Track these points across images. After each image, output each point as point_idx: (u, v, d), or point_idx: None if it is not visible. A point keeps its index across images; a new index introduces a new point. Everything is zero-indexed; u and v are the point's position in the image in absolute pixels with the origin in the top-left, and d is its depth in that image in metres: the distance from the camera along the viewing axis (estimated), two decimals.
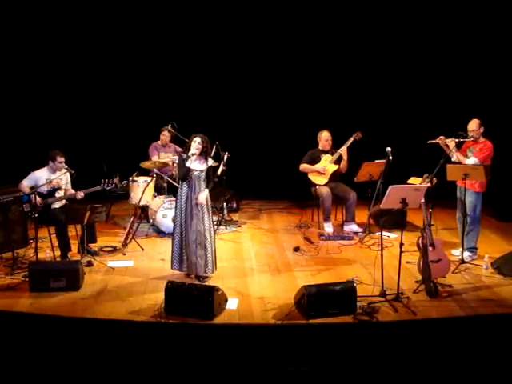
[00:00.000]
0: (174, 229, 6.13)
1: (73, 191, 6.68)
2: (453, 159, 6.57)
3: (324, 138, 7.90)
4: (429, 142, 6.60)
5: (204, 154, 5.98)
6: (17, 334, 5.01)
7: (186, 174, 5.94)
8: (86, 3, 8.78)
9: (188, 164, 5.93)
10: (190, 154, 5.90)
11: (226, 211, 8.32)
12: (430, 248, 5.75)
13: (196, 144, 5.91)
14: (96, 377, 4.60)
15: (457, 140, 6.47)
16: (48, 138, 8.49)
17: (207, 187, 5.99)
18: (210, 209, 6.08)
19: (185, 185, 5.98)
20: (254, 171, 9.39)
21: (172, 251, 6.09)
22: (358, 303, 5.28)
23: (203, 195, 5.92)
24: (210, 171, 6.06)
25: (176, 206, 6.09)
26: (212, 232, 6.06)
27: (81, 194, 6.55)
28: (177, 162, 7.73)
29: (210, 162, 6.07)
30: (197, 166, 5.96)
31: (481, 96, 8.92)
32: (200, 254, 5.92)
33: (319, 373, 4.63)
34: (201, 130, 7.19)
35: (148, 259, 6.75)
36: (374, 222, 7.86)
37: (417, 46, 9.07)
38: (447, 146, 6.53)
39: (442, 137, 6.53)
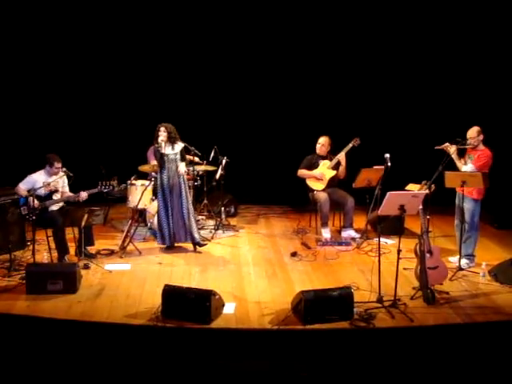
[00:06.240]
0: (158, 209, 6.99)
1: (71, 193, 6.66)
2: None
3: (318, 142, 7.90)
4: (436, 147, 6.59)
5: (172, 140, 6.85)
6: (13, 337, 5.00)
7: (162, 159, 6.86)
8: (83, 6, 8.79)
9: (162, 151, 6.85)
10: (159, 140, 6.82)
11: (223, 216, 8.31)
12: (428, 255, 5.75)
13: (162, 132, 6.83)
14: (92, 380, 4.59)
15: (459, 147, 6.46)
16: (46, 141, 8.48)
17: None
18: (187, 187, 7.06)
19: (164, 169, 6.87)
20: (253, 176, 9.38)
21: (161, 229, 6.99)
22: (354, 309, 5.27)
23: (182, 166, 6.87)
24: (183, 152, 6.97)
25: (159, 189, 6.94)
26: (191, 206, 7.07)
27: (84, 195, 6.53)
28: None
29: (181, 144, 6.93)
30: (169, 150, 6.87)
31: (481, 103, 8.92)
32: (181, 224, 6.94)
33: (315, 378, 4.63)
34: (200, 135, 7.31)
35: (145, 263, 6.73)
36: (371, 228, 7.86)
37: (416, 51, 9.08)
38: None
39: (446, 144, 6.53)
